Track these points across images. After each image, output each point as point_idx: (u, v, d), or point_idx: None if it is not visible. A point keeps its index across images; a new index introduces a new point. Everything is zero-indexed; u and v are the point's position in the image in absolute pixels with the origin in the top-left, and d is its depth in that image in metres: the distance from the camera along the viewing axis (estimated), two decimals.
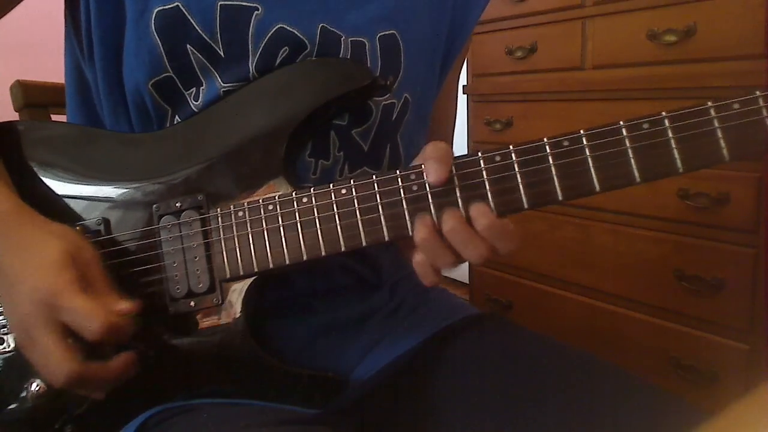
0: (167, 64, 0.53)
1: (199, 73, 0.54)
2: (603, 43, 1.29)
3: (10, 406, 0.51)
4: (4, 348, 0.52)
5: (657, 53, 1.19)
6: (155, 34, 0.52)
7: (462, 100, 1.63)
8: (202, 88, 0.54)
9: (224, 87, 0.54)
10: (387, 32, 0.57)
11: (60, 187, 0.54)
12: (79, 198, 0.53)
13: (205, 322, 0.51)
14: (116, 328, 0.45)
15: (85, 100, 0.61)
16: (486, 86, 1.58)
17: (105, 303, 0.46)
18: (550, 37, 1.40)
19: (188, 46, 0.52)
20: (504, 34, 1.50)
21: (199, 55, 0.53)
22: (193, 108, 0.54)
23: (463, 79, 1.63)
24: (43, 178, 0.54)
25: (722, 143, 0.44)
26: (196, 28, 0.52)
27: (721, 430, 0.28)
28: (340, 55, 0.55)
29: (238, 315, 0.50)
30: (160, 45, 0.52)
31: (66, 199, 0.54)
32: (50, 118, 0.80)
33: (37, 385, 0.50)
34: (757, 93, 0.43)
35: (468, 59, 1.61)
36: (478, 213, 0.46)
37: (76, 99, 0.61)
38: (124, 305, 0.47)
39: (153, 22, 0.52)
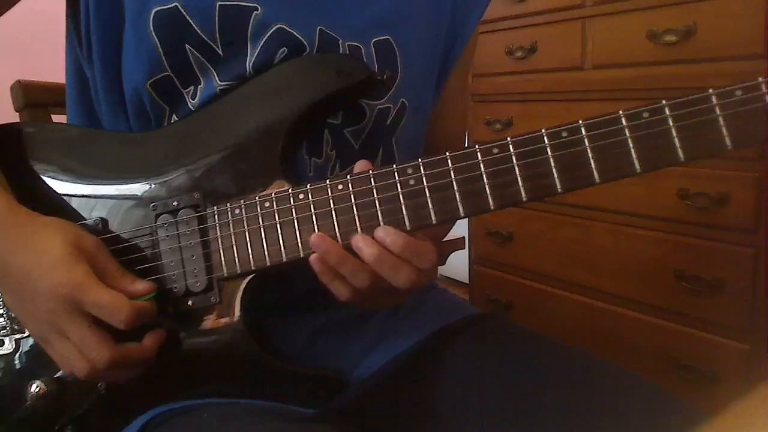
0: (166, 63, 0.53)
1: (197, 72, 0.53)
2: (603, 43, 1.29)
3: (10, 408, 0.51)
4: (4, 350, 0.52)
5: (657, 53, 1.19)
6: (153, 34, 0.52)
7: None
8: (199, 86, 0.54)
9: (221, 85, 0.53)
10: (381, 38, 0.57)
11: (57, 187, 0.54)
12: (76, 198, 0.53)
13: (204, 322, 0.51)
14: (142, 313, 0.46)
15: (84, 99, 0.61)
16: (486, 86, 1.58)
17: (124, 289, 0.47)
18: (550, 37, 1.40)
19: (187, 45, 0.52)
20: (504, 34, 1.50)
21: (198, 55, 0.53)
22: (191, 107, 0.54)
23: None
24: (40, 179, 0.54)
25: (724, 131, 0.43)
26: (195, 28, 0.52)
27: (721, 430, 0.28)
28: None
29: (237, 314, 0.50)
30: (159, 45, 0.52)
31: (64, 199, 0.54)
32: (50, 118, 0.80)
33: (37, 387, 0.49)
34: (760, 79, 0.42)
35: None
36: (387, 235, 0.45)
37: (76, 98, 0.61)
38: (143, 286, 0.48)
39: (151, 22, 0.52)
